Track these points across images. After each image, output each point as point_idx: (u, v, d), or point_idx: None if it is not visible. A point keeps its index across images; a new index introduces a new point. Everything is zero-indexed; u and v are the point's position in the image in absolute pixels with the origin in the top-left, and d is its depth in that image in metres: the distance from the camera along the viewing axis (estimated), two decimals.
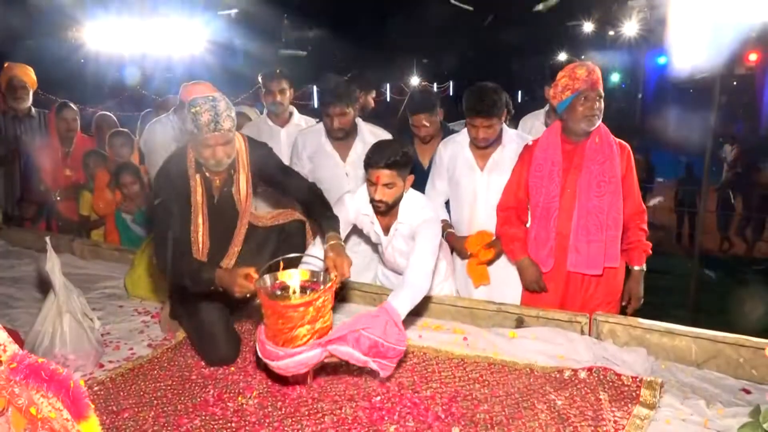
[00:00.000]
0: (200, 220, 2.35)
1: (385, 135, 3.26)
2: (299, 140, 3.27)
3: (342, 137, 3.14)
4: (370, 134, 3.20)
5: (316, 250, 2.43)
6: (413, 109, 3.19)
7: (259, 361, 2.17)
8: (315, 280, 2.13)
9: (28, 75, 4.59)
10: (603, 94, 2.58)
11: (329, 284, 2.03)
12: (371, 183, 2.46)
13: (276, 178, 2.52)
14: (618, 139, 2.68)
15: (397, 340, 2.02)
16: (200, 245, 2.37)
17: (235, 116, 2.25)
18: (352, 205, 2.62)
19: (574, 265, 2.66)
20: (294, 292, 2.06)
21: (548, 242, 2.69)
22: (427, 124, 3.17)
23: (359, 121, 3.25)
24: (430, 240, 2.40)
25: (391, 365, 2.04)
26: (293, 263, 2.27)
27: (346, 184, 3.14)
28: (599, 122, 2.61)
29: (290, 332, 1.94)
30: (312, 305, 1.93)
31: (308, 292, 2.04)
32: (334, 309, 2.09)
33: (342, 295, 2.88)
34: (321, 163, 3.19)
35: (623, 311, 2.77)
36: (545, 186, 2.68)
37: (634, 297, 2.73)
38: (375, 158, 2.42)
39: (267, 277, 2.09)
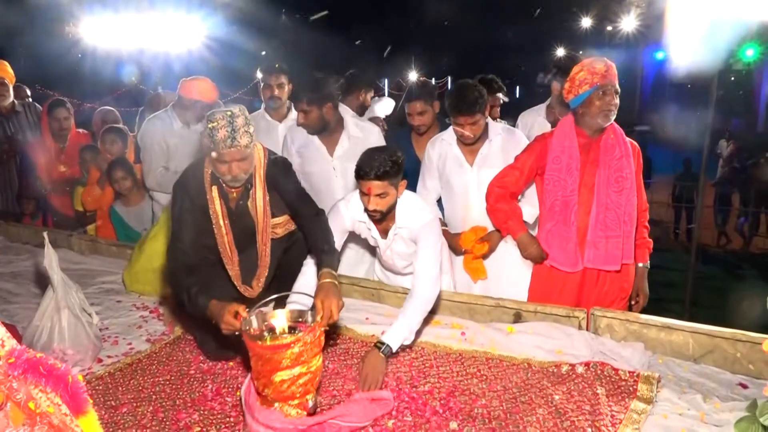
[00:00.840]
0: (224, 231, 2.32)
1: (373, 129, 3.27)
2: (288, 135, 3.30)
3: (312, 133, 3.15)
4: (355, 128, 3.21)
5: (306, 280, 2.38)
6: (408, 98, 3.21)
7: None
8: (302, 320, 2.01)
9: (5, 70, 4.48)
10: (619, 90, 2.57)
11: (310, 327, 1.89)
12: (363, 194, 2.40)
13: (288, 198, 2.43)
14: (628, 138, 2.68)
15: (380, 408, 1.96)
16: (230, 253, 2.35)
17: (253, 132, 2.19)
18: (347, 213, 2.56)
19: (592, 261, 2.65)
20: (283, 332, 1.96)
21: (570, 239, 2.65)
22: (422, 112, 3.18)
23: (346, 116, 3.24)
24: (432, 245, 2.40)
25: (388, 408, 1.98)
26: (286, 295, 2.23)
27: (334, 178, 3.17)
28: (614, 117, 2.60)
29: (270, 375, 1.82)
30: (289, 348, 1.80)
31: (297, 332, 1.92)
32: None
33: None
34: (309, 157, 3.20)
35: (629, 308, 2.77)
36: (563, 179, 2.66)
37: (643, 294, 2.73)
38: (364, 170, 2.33)
39: (254, 318, 2.00)
